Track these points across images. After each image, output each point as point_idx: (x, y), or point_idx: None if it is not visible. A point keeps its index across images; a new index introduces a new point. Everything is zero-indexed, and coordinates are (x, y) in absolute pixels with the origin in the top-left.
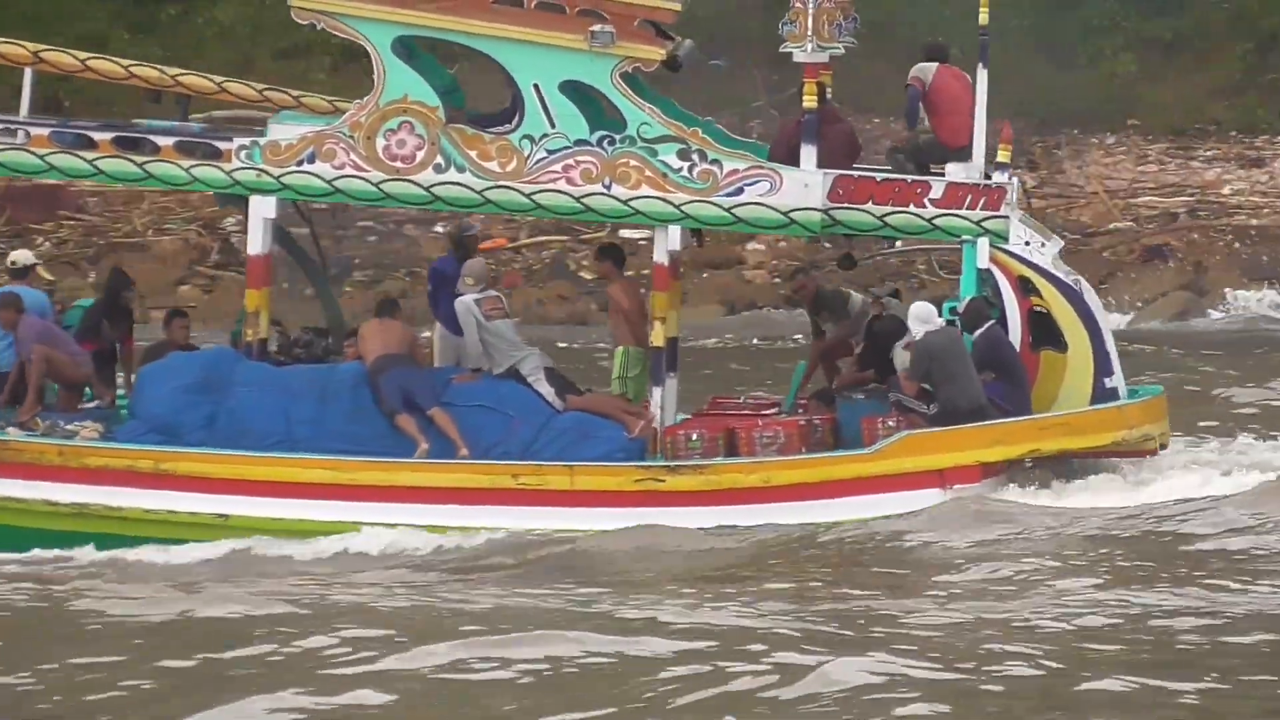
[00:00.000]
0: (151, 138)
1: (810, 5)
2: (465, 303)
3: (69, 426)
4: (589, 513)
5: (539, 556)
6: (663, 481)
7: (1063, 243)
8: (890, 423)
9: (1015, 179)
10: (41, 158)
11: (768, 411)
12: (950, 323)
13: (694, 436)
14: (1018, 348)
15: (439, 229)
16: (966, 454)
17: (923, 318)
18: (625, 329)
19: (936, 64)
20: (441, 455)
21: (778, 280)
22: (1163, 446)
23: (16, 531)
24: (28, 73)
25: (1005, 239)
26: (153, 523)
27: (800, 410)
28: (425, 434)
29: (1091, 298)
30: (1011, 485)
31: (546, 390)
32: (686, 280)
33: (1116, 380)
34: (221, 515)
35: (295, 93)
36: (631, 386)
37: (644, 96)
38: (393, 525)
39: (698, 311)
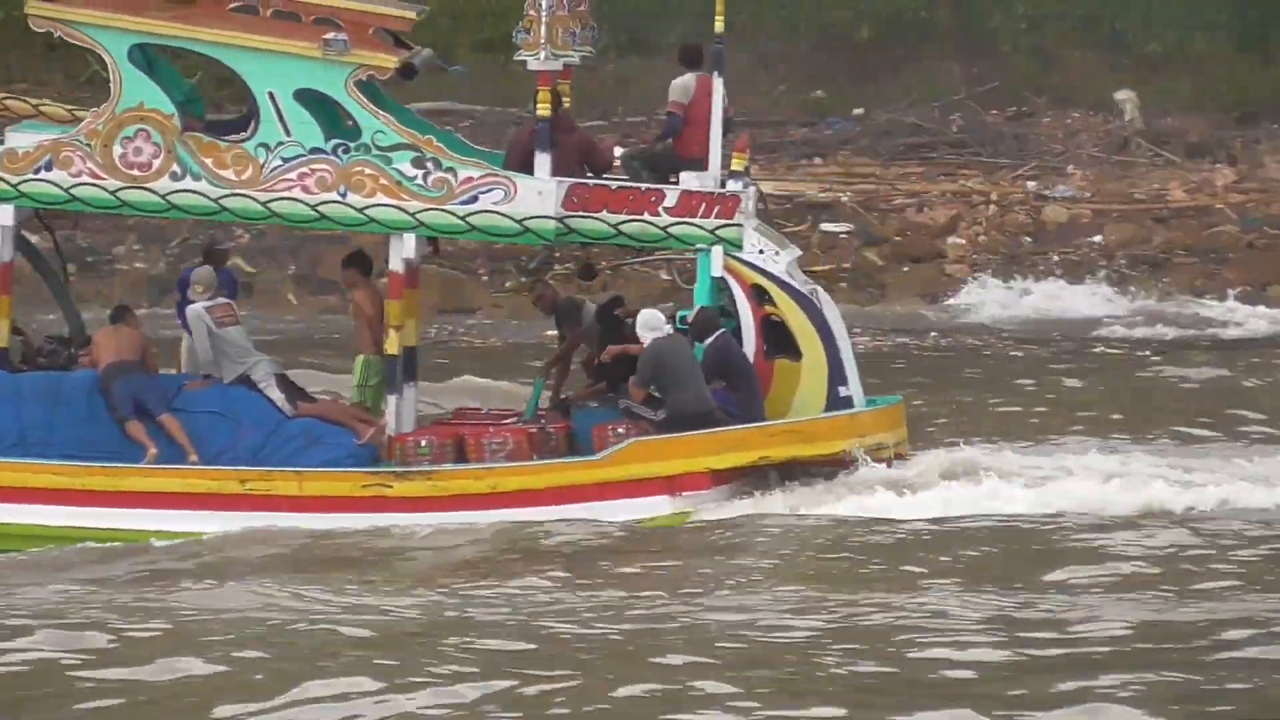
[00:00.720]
0: None
1: (544, 14)
2: (196, 310)
3: None
4: (318, 518)
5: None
6: (390, 487)
7: (799, 252)
8: (620, 430)
9: (752, 187)
10: None
11: (505, 421)
12: (682, 331)
13: (423, 443)
14: (752, 356)
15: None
16: (695, 461)
17: (650, 325)
18: (367, 336)
19: (694, 75)
20: (172, 461)
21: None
22: (899, 457)
23: None
24: None
25: (739, 247)
26: None
27: (541, 420)
28: (156, 440)
29: (830, 307)
30: (743, 493)
31: (277, 396)
32: (888, 273)
33: (851, 389)
34: None
35: (35, 101)
36: (370, 395)
37: (383, 105)
38: (120, 530)
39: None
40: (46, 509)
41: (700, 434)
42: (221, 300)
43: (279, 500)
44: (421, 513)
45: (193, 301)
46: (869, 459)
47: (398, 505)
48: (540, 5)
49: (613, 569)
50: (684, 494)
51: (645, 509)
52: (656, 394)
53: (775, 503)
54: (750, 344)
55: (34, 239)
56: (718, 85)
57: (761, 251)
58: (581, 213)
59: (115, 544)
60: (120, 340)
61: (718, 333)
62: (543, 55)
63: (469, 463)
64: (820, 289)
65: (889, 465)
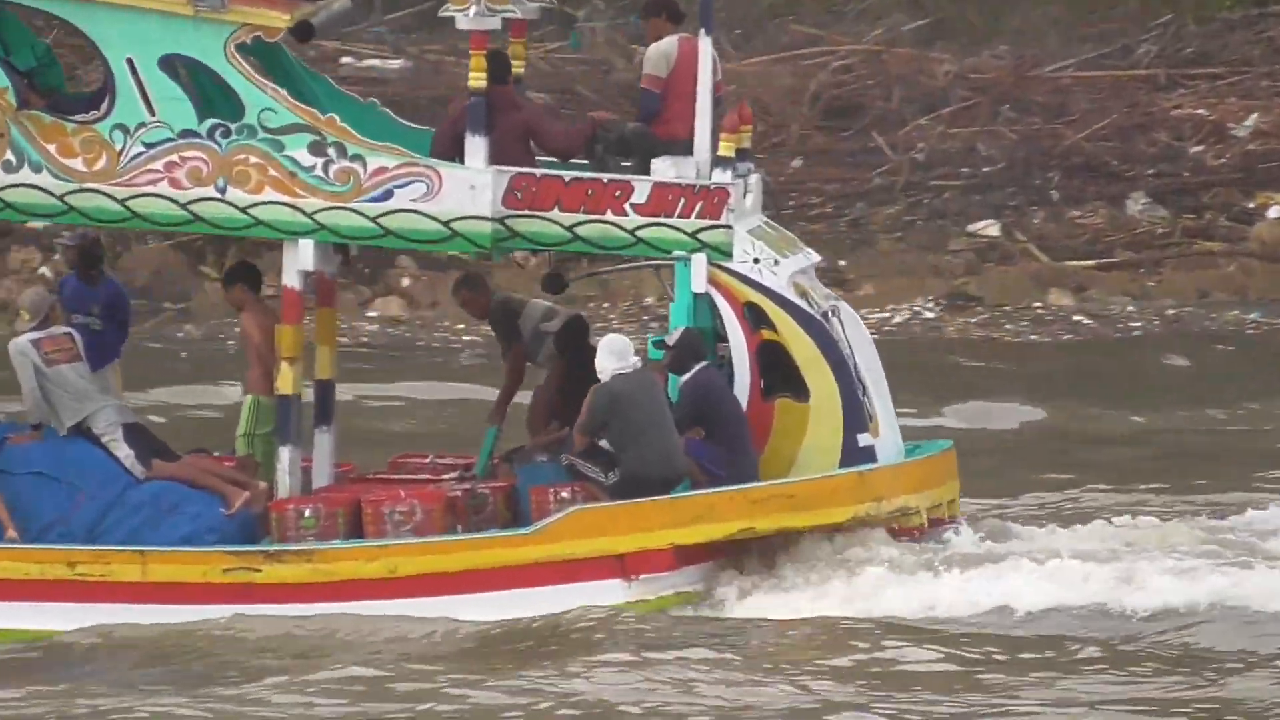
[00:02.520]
0: None
1: None
2: (19, 344)
3: None
4: (166, 610)
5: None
6: (259, 571)
7: (817, 258)
8: (565, 494)
9: (752, 176)
10: None
11: (446, 476)
12: (657, 363)
13: (307, 513)
14: (745, 394)
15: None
16: (655, 535)
17: (614, 352)
18: (257, 372)
19: (676, 39)
20: None
21: None
22: (951, 518)
23: None
24: None
25: (728, 255)
26: None
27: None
28: None
29: (855, 327)
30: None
31: (124, 453)
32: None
33: (881, 435)
34: None
35: None
36: (259, 446)
37: (288, 73)
38: None
39: None
40: None
41: (661, 500)
42: (57, 331)
43: (118, 588)
44: (300, 603)
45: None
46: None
47: (269, 594)
48: None
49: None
50: (641, 577)
51: (591, 596)
52: (609, 447)
53: (762, 594)
54: (743, 379)
55: None
56: (705, 46)
57: (757, 260)
58: (527, 211)
59: None
60: None
61: (699, 365)
62: (473, 11)
63: (364, 538)
64: (843, 306)
65: (919, 535)
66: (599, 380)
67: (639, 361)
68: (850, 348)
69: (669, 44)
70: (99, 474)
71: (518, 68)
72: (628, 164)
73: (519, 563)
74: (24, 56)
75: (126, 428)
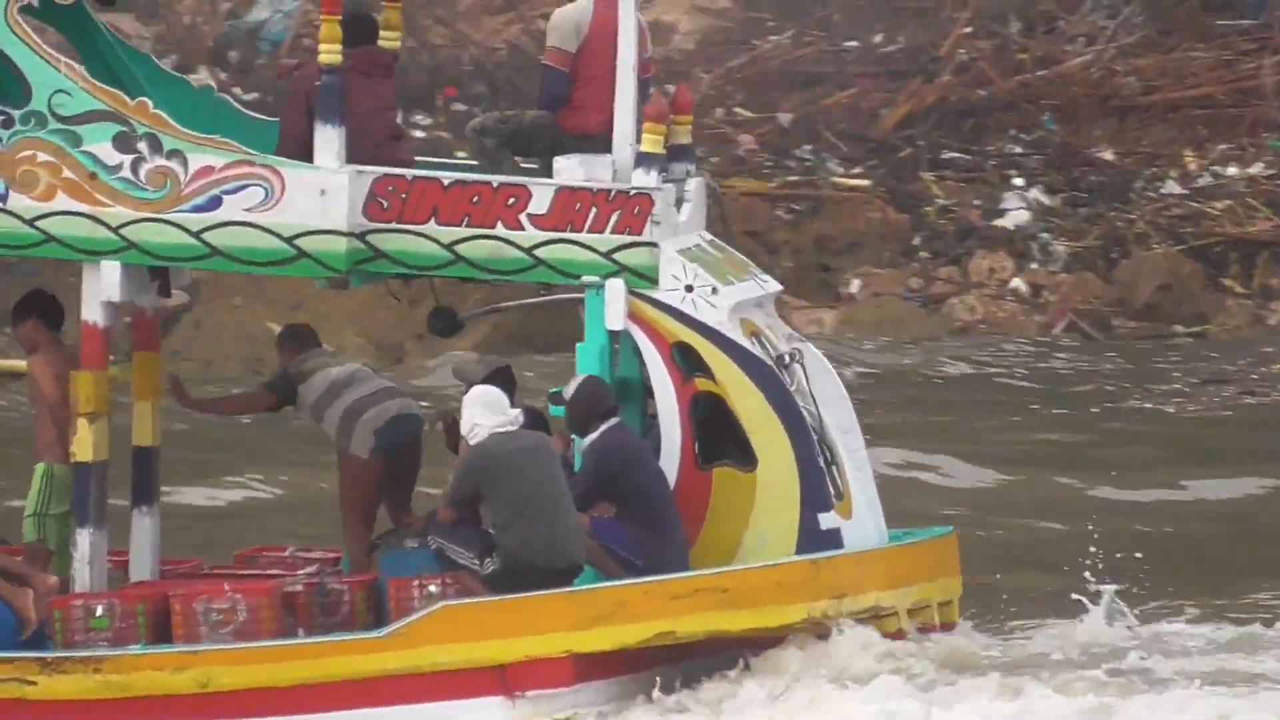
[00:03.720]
0: None
1: None
2: None
3: None
4: None
5: None
6: (34, 684)
7: (776, 286)
8: (433, 587)
9: (696, 181)
10: None
11: (302, 572)
12: (545, 422)
13: (99, 611)
14: (674, 460)
15: None
16: (547, 639)
17: (489, 406)
18: (50, 434)
19: (591, 3)
20: None
21: None
22: (945, 625)
23: None
24: None
25: (653, 281)
26: None
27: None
28: None
29: (822, 379)
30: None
31: None
32: None
33: (855, 515)
34: None
35: None
36: (53, 528)
37: (92, 44)
38: None
39: None
40: None
41: (557, 594)
42: None
43: None
44: None
45: None
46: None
47: (46, 713)
48: None
49: None
50: (528, 694)
51: (464, 717)
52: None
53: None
54: (672, 441)
55: None
56: (627, 11)
57: (690, 288)
58: (395, 224)
59: None
60: None
61: (606, 424)
62: None
63: (173, 642)
64: (808, 349)
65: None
66: None
67: (520, 416)
68: (815, 403)
69: (580, 9)
70: None
71: (392, 41)
72: (529, 164)
73: (371, 674)
74: None
75: None
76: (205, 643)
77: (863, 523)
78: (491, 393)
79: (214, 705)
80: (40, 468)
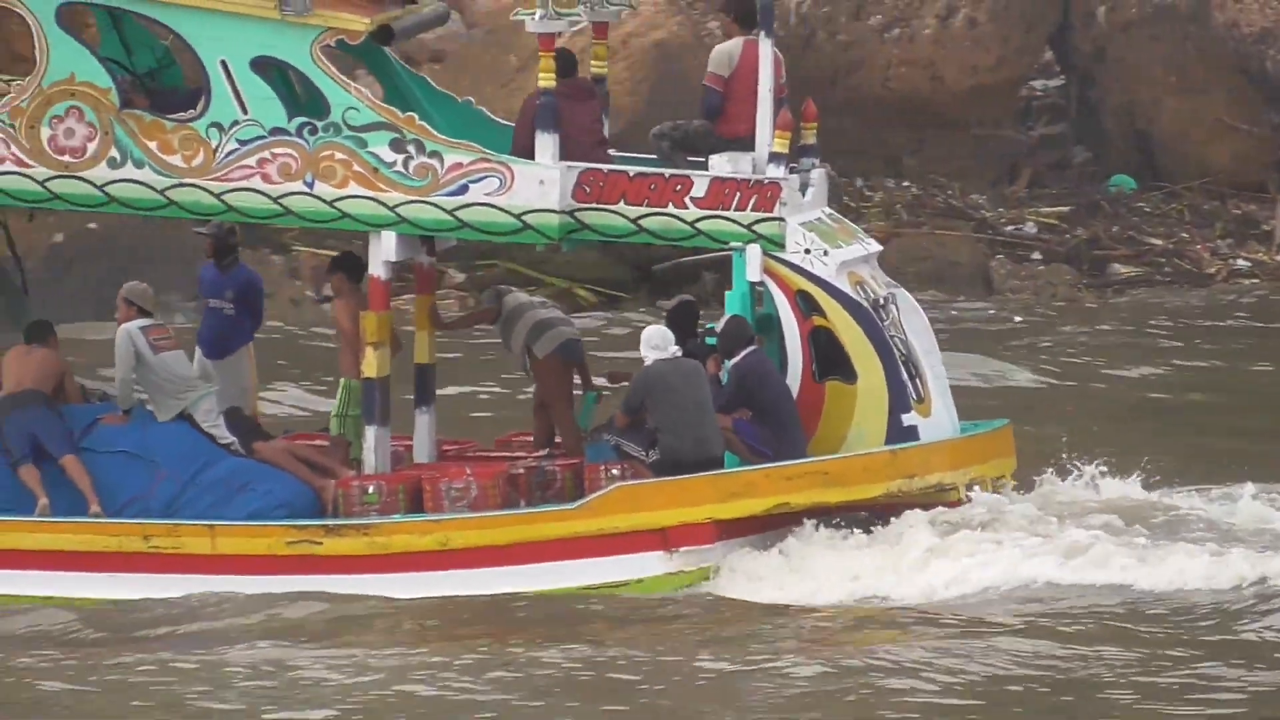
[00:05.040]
0: None
1: None
2: (128, 329)
3: None
4: (233, 580)
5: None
6: (320, 544)
7: (877, 248)
8: (615, 471)
9: (818, 171)
10: None
11: (539, 454)
12: (709, 348)
13: (370, 489)
14: (799, 377)
15: None
16: (695, 510)
17: (653, 343)
18: (350, 357)
19: (742, 40)
20: (71, 512)
21: None
22: (996, 492)
23: None
24: None
25: (781, 245)
26: None
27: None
28: (56, 487)
29: (912, 315)
30: (759, 549)
31: (225, 437)
32: None
33: (933, 416)
34: None
35: None
36: (350, 426)
37: (389, 72)
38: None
39: None
40: None
41: (701, 477)
42: (156, 321)
43: (189, 560)
44: (358, 574)
45: (121, 321)
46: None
47: (329, 565)
48: None
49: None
50: (681, 550)
51: (632, 568)
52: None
53: (810, 570)
54: (795, 363)
55: None
56: (765, 50)
57: (808, 251)
58: (595, 205)
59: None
60: (27, 366)
61: (746, 350)
62: (539, 15)
63: (423, 512)
64: (902, 294)
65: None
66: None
67: (678, 351)
68: (904, 333)
69: (733, 45)
70: (179, 454)
71: (600, 67)
72: (695, 159)
73: (566, 536)
74: (143, 58)
75: (226, 414)
76: (446, 513)
77: (939, 419)
78: (659, 332)
79: (452, 559)
80: (343, 382)
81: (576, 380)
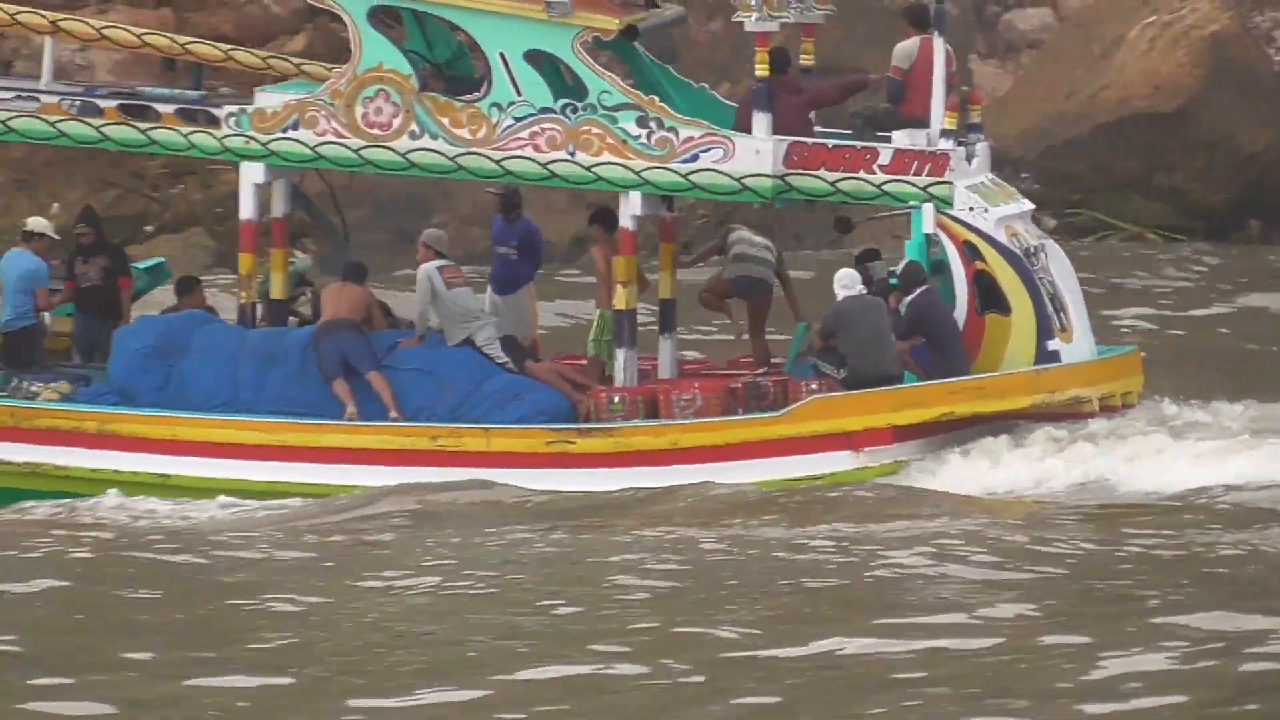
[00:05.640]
0: (154, 105)
1: None
2: (427, 269)
3: (33, 388)
4: (503, 474)
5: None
6: (573, 444)
7: (1030, 206)
8: (814, 385)
9: (979, 144)
10: (53, 124)
11: (758, 372)
12: (891, 286)
13: (616, 400)
14: (964, 312)
15: None
16: (877, 417)
17: (843, 283)
18: (604, 293)
19: (919, 39)
20: (375, 418)
21: None
22: (1126, 407)
23: None
24: (48, 41)
25: (950, 204)
26: (98, 482)
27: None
28: (363, 398)
29: (1057, 260)
30: (930, 451)
31: (500, 358)
32: None
33: (1075, 342)
34: (162, 475)
35: (297, 61)
36: (605, 349)
37: (639, 64)
38: (316, 485)
39: None
40: (249, 464)
41: (881, 390)
42: (450, 262)
43: (467, 456)
44: (603, 469)
45: (420, 263)
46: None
47: (580, 461)
48: None
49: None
50: (866, 450)
51: (826, 464)
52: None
53: (979, 462)
54: (962, 299)
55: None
56: (939, 46)
57: (972, 209)
58: (800, 170)
59: (317, 497)
60: (341, 299)
61: (921, 288)
62: (755, 17)
63: (658, 419)
64: (1049, 243)
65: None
66: None
67: (863, 289)
68: (1052, 275)
69: (912, 44)
70: (462, 372)
71: (808, 61)
72: (882, 135)
73: (771, 438)
74: (441, 51)
75: (503, 340)
76: (676, 419)
77: (1079, 346)
78: (848, 274)
79: (679, 456)
80: (599, 313)
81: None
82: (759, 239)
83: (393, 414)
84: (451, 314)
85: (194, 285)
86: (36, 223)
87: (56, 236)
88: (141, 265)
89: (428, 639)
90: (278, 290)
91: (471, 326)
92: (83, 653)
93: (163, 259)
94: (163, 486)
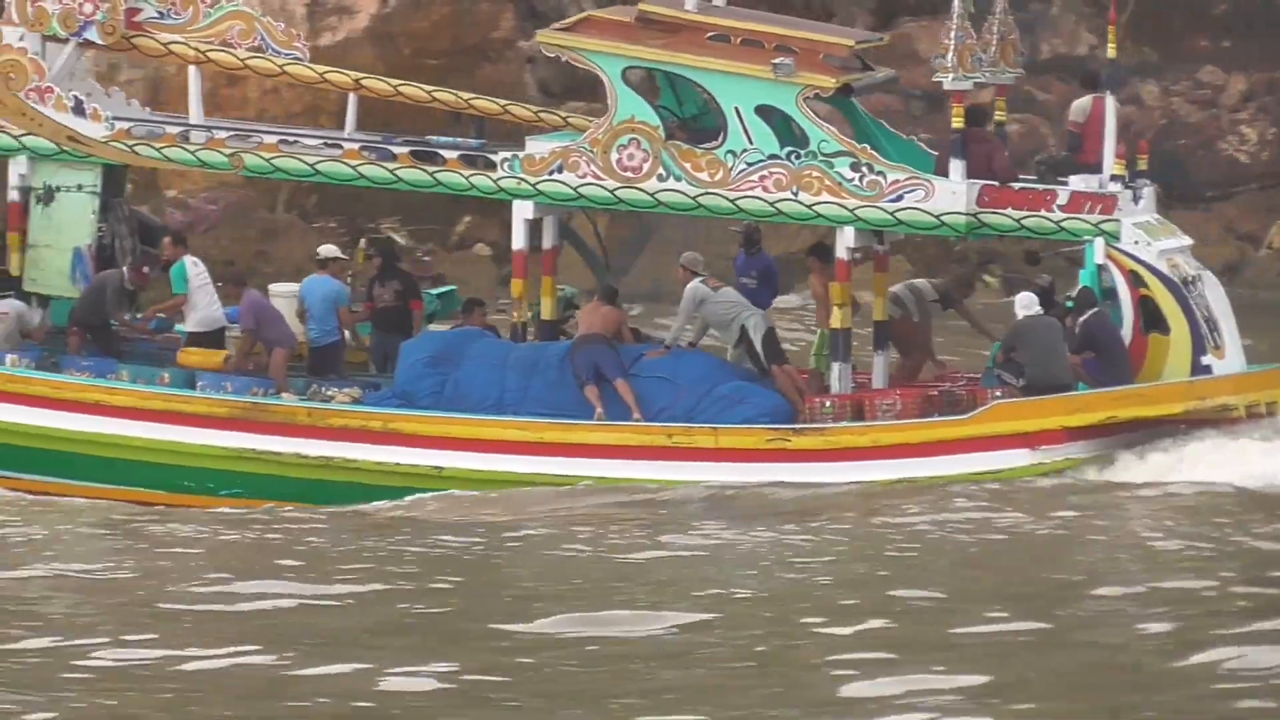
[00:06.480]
0: (441, 151)
1: (953, 42)
2: (693, 284)
3: (329, 392)
4: (728, 467)
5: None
6: (789, 441)
7: (1189, 241)
8: (997, 393)
9: (1146, 189)
10: (354, 168)
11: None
12: (1068, 309)
13: (827, 404)
14: (1130, 331)
15: None
16: (1052, 420)
17: (1024, 305)
18: (823, 314)
19: (1091, 97)
20: (620, 419)
21: None
22: (1270, 414)
23: (273, 480)
24: (351, 97)
25: (1118, 239)
26: (382, 473)
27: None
28: (610, 402)
29: (1212, 288)
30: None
31: (759, 347)
32: None
33: (1226, 358)
34: (437, 468)
35: (564, 114)
36: (823, 362)
37: (859, 121)
38: (567, 476)
39: None
40: (512, 458)
41: (1055, 397)
42: (706, 276)
43: (697, 452)
44: (814, 463)
45: (698, 275)
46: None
47: (795, 457)
48: (951, 35)
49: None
50: (1041, 448)
51: (1007, 461)
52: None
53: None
54: (1128, 321)
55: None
56: (1110, 104)
57: (1137, 242)
58: (991, 209)
59: (572, 487)
60: (595, 317)
61: (1092, 310)
62: (951, 77)
63: (863, 420)
64: (1206, 274)
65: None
66: None
67: (1041, 311)
68: (1208, 301)
69: (1086, 100)
70: (696, 378)
71: (1001, 118)
72: (1061, 179)
73: (960, 438)
74: (689, 107)
75: (768, 331)
76: (878, 421)
77: (1230, 361)
78: (1028, 296)
79: (881, 453)
80: (819, 331)
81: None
82: (918, 283)
83: (635, 415)
84: (721, 312)
85: (476, 306)
86: (328, 249)
87: (345, 257)
88: (434, 291)
89: None
90: (547, 312)
91: (742, 316)
92: None
93: (454, 286)
94: (437, 478)
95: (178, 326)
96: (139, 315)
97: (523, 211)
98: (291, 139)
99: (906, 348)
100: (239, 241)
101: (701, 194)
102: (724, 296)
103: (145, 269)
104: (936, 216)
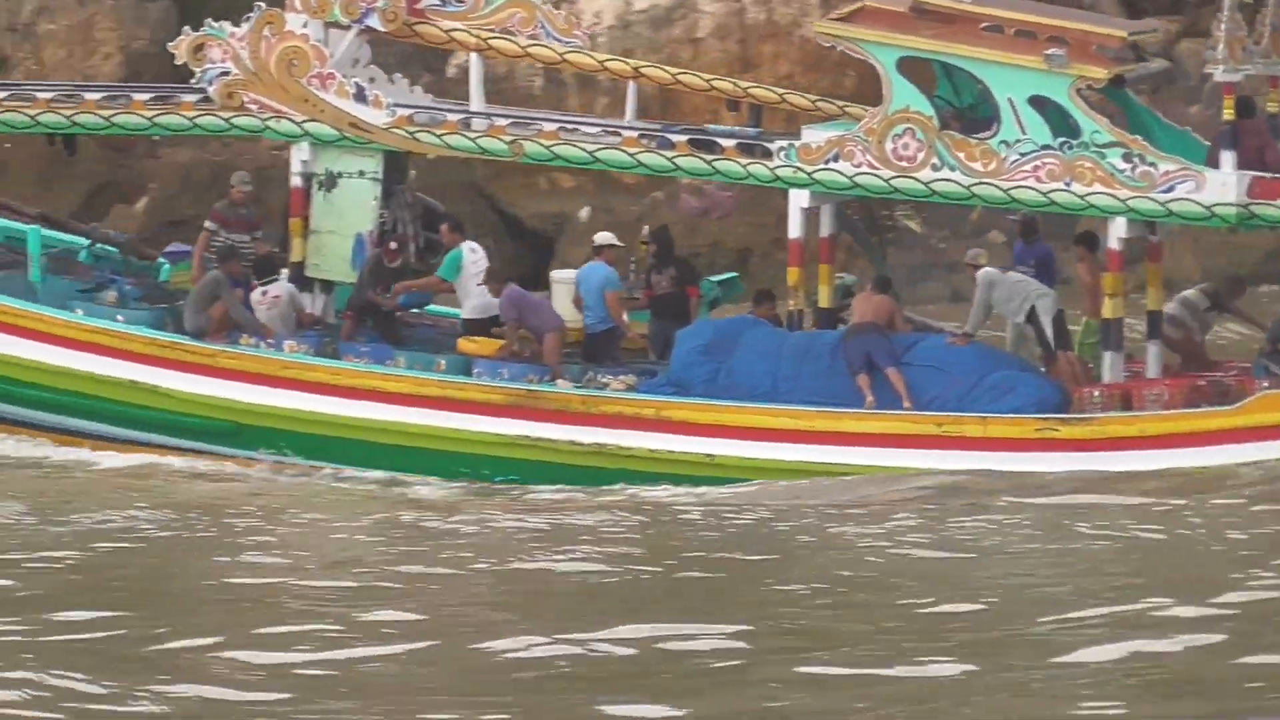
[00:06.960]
0: (719, 140)
1: (1223, 33)
2: (985, 272)
3: (603, 379)
4: (997, 456)
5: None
6: (1057, 431)
7: None
8: (1265, 384)
9: None
10: (632, 155)
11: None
12: None
13: (1096, 394)
14: None
15: None
16: None
17: None
18: (1089, 303)
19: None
20: (893, 408)
21: None
22: None
23: (547, 466)
24: (631, 85)
25: None
26: (654, 460)
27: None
28: (882, 390)
29: None
30: None
31: (1048, 332)
32: None
33: None
34: (708, 455)
35: (840, 103)
36: (1089, 351)
37: (1134, 112)
38: (836, 465)
39: None
40: (783, 446)
41: None
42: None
43: (966, 441)
44: (1082, 453)
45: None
46: None
47: (1063, 446)
48: (1221, 26)
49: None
50: None
51: (1272, 451)
52: None
53: None
54: None
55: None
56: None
57: None
58: (1261, 201)
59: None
60: (868, 306)
61: None
62: (1222, 69)
63: (1131, 411)
64: None
65: None
66: None
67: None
68: None
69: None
70: (967, 367)
71: (1274, 108)
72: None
73: (1225, 428)
74: (966, 97)
75: (1057, 314)
76: (1146, 412)
77: None
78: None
79: (1147, 442)
80: (1085, 320)
81: None
82: (1190, 295)
83: (906, 404)
84: (1013, 292)
85: (766, 297)
86: (603, 236)
87: (621, 244)
88: (716, 279)
89: None
90: (824, 300)
91: (1033, 296)
92: None
93: (736, 274)
94: (709, 465)
95: (429, 308)
96: (387, 294)
97: (799, 200)
98: (571, 126)
99: (1194, 364)
100: (755, 229)
101: (975, 184)
102: (1010, 279)
103: (394, 246)
104: (1207, 207)
